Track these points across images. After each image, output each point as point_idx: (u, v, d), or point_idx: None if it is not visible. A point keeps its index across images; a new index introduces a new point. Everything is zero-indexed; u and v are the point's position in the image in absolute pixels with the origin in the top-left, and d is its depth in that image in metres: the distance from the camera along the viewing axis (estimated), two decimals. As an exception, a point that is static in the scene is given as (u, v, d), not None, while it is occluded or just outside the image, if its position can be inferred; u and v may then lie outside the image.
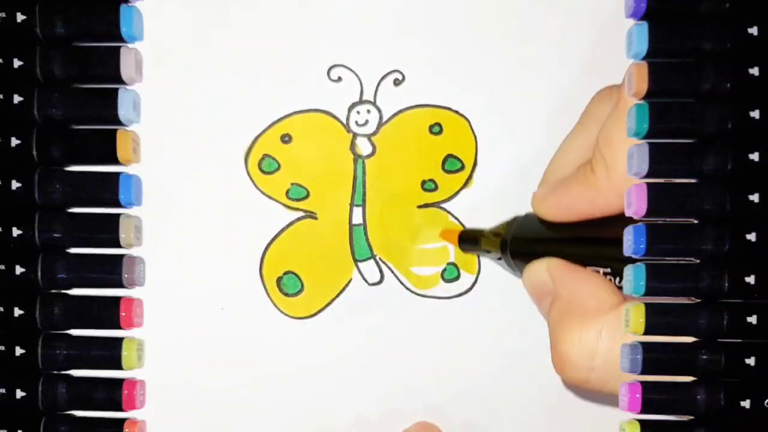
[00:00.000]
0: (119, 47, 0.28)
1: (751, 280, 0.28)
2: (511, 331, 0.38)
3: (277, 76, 0.37)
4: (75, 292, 0.29)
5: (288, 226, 0.38)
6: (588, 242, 0.33)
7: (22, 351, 0.29)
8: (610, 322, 0.31)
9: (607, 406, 0.38)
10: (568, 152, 0.34)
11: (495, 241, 0.36)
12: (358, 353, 0.38)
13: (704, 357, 0.28)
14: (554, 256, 0.33)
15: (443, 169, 0.38)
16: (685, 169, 0.28)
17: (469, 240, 0.37)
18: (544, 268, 0.33)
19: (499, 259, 0.36)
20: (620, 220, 0.30)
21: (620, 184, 0.30)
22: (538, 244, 0.34)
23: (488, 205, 0.38)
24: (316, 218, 0.38)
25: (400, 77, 0.38)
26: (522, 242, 0.35)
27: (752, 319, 0.28)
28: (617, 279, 0.32)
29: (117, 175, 0.29)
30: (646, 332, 0.28)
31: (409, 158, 0.38)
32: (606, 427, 0.37)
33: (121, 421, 0.29)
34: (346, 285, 0.38)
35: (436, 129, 0.38)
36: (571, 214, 0.33)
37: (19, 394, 0.29)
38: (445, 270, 0.38)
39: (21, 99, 0.28)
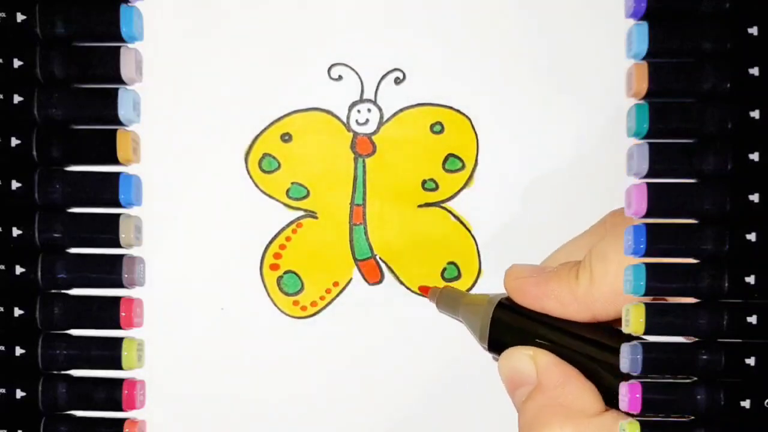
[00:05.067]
0: (119, 47, 0.28)
1: (751, 280, 0.28)
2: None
3: (277, 75, 0.37)
4: (75, 292, 0.29)
5: (288, 225, 0.38)
6: (580, 339, 0.31)
7: (22, 351, 0.29)
8: (592, 428, 0.30)
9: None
10: (570, 249, 0.34)
11: (476, 308, 0.34)
12: (357, 353, 0.38)
13: (704, 357, 0.28)
14: (539, 345, 0.32)
15: (444, 168, 0.38)
16: (685, 169, 0.28)
17: (448, 301, 0.36)
18: (530, 355, 0.31)
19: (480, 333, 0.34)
20: (593, 327, 0.31)
21: (598, 301, 0.31)
22: (522, 327, 0.32)
23: (489, 204, 0.38)
24: (316, 218, 0.38)
25: (400, 76, 0.38)
26: (507, 320, 0.33)
27: (752, 319, 0.28)
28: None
29: (117, 175, 0.29)
30: (646, 332, 0.28)
31: (409, 157, 0.38)
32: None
33: (121, 421, 0.29)
34: (346, 285, 0.38)
35: (437, 128, 0.38)
36: (535, 304, 0.32)
37: (19, 394, 0.29)
38: (445, 269, 0.38)
39: (21, 99, 0.28)
